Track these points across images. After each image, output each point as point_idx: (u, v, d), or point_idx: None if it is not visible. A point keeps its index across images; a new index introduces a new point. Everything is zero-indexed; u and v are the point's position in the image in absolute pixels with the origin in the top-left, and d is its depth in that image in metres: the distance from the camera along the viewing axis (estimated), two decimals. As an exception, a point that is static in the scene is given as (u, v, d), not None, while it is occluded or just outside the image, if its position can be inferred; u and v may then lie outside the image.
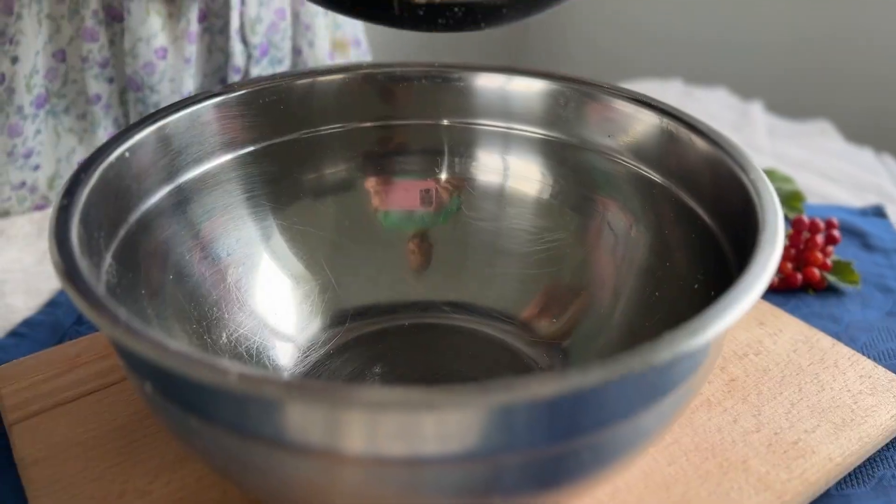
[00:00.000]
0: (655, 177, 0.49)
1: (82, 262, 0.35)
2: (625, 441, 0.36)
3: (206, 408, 0.31)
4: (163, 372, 0.30)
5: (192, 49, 0.69)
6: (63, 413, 0.48)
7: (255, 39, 0.73)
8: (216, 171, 0.48)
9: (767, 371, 0.53)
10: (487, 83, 0.50)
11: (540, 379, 0.29)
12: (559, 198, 0.52)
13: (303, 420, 0.29)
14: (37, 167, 0.68)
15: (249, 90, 0.48)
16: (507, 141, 0.52)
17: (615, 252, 0.50)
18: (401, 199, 0.48)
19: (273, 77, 0.49)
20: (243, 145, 0.49)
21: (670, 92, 1.03)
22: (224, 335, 0.49)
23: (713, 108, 0.97)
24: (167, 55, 0.68)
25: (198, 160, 0.47)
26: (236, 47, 0.72)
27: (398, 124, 0.48)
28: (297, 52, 0.77)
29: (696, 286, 0.46)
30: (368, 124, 0.44)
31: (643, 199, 0.49)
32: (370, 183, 0.43)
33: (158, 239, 0.46)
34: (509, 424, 0.31)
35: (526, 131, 0.52)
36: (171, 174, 0.46)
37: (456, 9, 0.41)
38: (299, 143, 0.49)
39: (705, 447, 0.47)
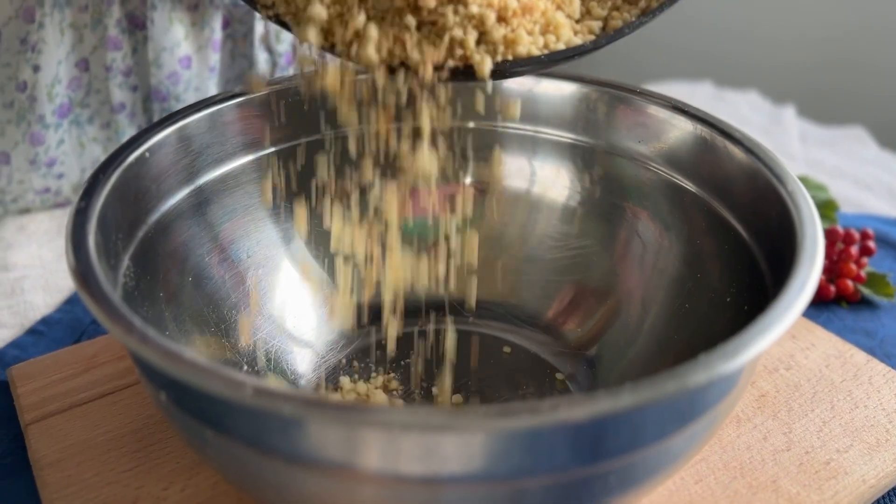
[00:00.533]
0: (688, 185, 0.47)
1: (98, 267, 0.34)
2: (653, 465, 0.34)
3: (221, 420, 0.30)
4: (177, 383, 0.29)
5: (216, 57, 0.68)
6: (79, 414, 0.48)
7: (281, 48, 0.72)
8: (237, 172, 0.47)
9: (799, 387, 0.51)
10: (515, 85, 0.49)
11: (567, 403, 0.27)
12: (587, 205, 0.50)
13: (320, 438, 0.28)
14: (60, 176, 0.68)
15: (271, 91, 0.47)
16: (534, 145, 0.50)
17: (644, 261, 0.48)
18: (424, 204, 0.47)
19: (295, 77, 0.48)
20: (264, 146, 0.48)
21: (699, 94, 1.01)
22: (243, 339, 0.48)
23: (744, 111, 0.95)
24: (191, 64, 0.68)
25: (218, 161, 0.46)
26: (260, 55, 0.71)
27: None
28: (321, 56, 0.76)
29: (728, 300, 0.44)
30: (391, 126, 0.43)
31: (674, 208, 0.48)
32: (392, 187, 0.42)
33: (177, 241, 0.46)
34: (533, 448, 0.30)
35: (554, 135, 0.50)
36: (191, 175, 0.46)
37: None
38: (321, 144, 0.48)
39: (734, 465, 0.45)
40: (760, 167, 0.42)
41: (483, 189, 0.50)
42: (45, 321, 0.58)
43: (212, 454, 0.33)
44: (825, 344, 0.54)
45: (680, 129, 0.47)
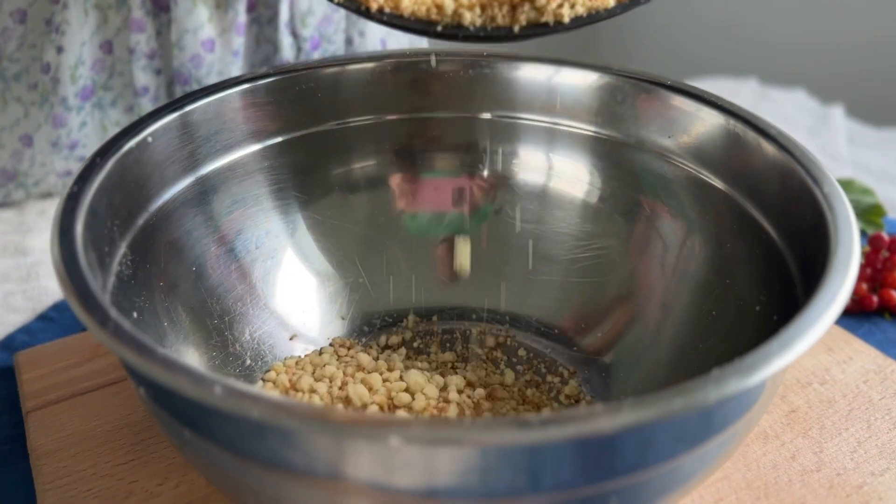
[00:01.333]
0: (717, 183, 0.45)
1: (82, 254, 0.33)
2: (661, 486, 0.32)
3: (196, 420, 0.29)
4: (149, 380, 0.27)
5: (239, 41, 0.67)
6: (79, 404, 0.47)
7: (306, 32, 0.70)
8: (243, 161, 0.46)
9: (833, 403, 0.48)
10: (533, 74, 0.46)
11: (559, 419, 0.25)
12: (609, 202, 0.48)
13: (296, 444, 0.26)
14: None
15: (278, 78, 0.46)
16: (552, 137, 0.48)
17: (666, 263, 0.45)
18: (432, 198, 0.45)
19: (303, 64, 0.46)
20: (271, 135, 0.46)
21: (744, 91, 0.97)
22: (247, 332, 0.47)
23: (789, 110, 0.91)
24: (215, 47, 0.66)
25: (224, 149, 0.45)
26: (285, 40, 0.69)
27: (434, 117, 0.45)
28: (348, 41, 0.75)
29: (757, 308, 0.41)
30: (401, 116, 0.41)
31: (702, 208, 0.45)
32: (399, 180, 0.40)
33: (181, 230, 0.44)
34: (528, 464, 0.28)
35: (574, 127, 0.47)
36: (196, 163, 0.44)
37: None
38: (330, 134, 0.46)
39: (758, 485, 0.42)
40: (795, 166, 0.39)
41: (497, 184, 0.47)
42: (57, 307, 0.57)
43: (190, 454, 0.31)
44: (864, 357, 0.51)
45: (710, 124, 0.44)
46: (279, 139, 0.46)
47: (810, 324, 0.29)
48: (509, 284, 0.48)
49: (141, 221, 0.41)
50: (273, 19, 0.69)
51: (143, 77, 0.66)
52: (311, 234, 0.48)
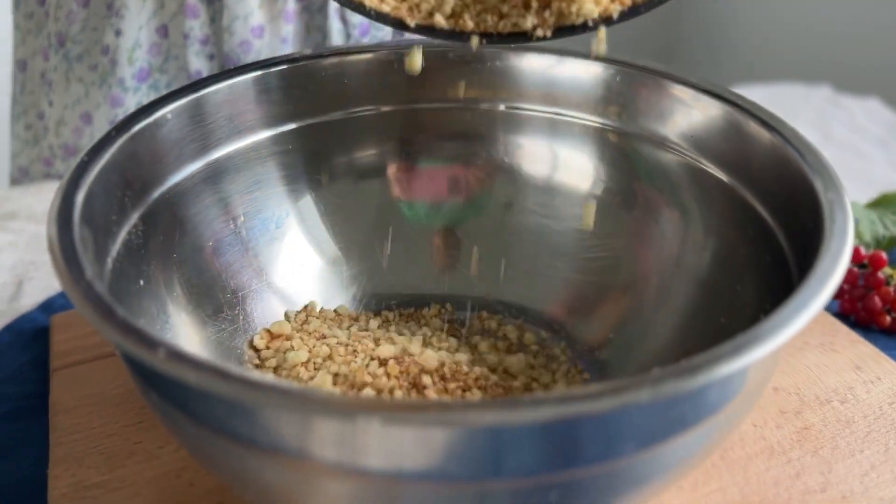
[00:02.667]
0: (718, 173, 0.43)
1: (84, 219, 0.35)
2: (634, 477, 0.31)
3: (156, 384, 0.30)
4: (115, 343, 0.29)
5: (288, 28, 0.69)
6: (101, 367, 0.50)
7: (356, 19, 0.72)
8: (256, 145, 0.47)
9: (851, 423, 0.45)
10: (533, 65, 0.46)
11: (528, 402, 0.25)
12: (612, 194, 0.47)
13: (236, 412, 0.27)
14: None
15: (293, 65, 0.46)
16: (554, 128, 0.47)
17: (668, 255, 0.44)
18: (430, 188, 0.45)
19: (316, 53, 0.47)
20: (284, 121, 0.47)
21: (815, 98, 0.93)
22: (258, 308, 0.48)
23: (860, 119, 0.86)
24: (264, 34, 0.69)
25: (238, 133, 0.46)
26: (334, 26, 0.71)
27: (435, 108, 0.45)
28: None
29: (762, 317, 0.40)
30: (403, 107, 0.41)
31: (703, 198, 0.44)
32: (399, 170, 0.40)
33: (198, 206, 0.46)
34: (489, 448, 0.28)
35: (577, 118, 0.47)
36: (210, 144, 0.45)
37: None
38: (340, 122, 0.47)
39: (754, 501, 0.41)
40: (805, 169, 0.38)
41: (497, 176, 0.47)
42: (98, 276, 0.60)
43: (160, 416, 0.32)
44: (894, 379, 0.48)
45: (710, 113, 0.43)
46: (292, 125, 0.47)
47: (778, 326, 0.28)
48: (509, 276, 0.48)
49: (156, 195, 0.43)
50: (323, 7, 0.70)
51: (196, 61, 0.69)
52: (323, 219, 0.48)
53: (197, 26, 0.67)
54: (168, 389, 0.29)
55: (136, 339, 0.27)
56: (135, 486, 0.42)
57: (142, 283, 0.41)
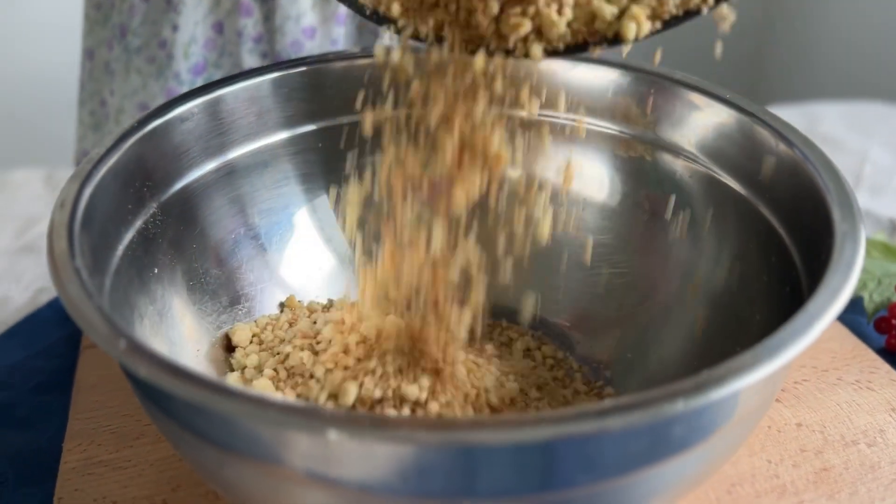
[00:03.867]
0: (732, 183, 0.42)
1: (92, 206, 0.36)
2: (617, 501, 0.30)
3: (138, 385, 0.30)
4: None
5: (339, 31, 0.70)
6: (126, 348, 0.51)
7: (408, 20, 0.72)
8: (273, 146, 0.48)
9: (876, 468, 0.43)
10: (546, 68, 0.44)
11: (488, 423, 0.25)
12: (625, 204, 0.46)
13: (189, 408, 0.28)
14: None
15: (313, 67, 0.47)
16: (570, 135, 0.46)
17: (684, 273, 0.43)
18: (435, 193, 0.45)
19: (337, 54, 0.48)
20: (302, 123, 0.48)
21: (893, 118, 0.88)
22: (275, 302, 0.49)
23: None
24: (315, 35, 0.69)
25: (255, 133, 0.47)
26: (387, 31, 0.71)
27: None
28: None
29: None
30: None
31: (720, 211, 0.42)
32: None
33: (214, 202, 0.47)
34: (460, 468, 0.28)
35: (592, 125, 0.45)
36: (233, 142, 0.46)
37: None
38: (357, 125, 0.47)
39: (757, 541, 0.39)
40: (823, 194, 0.36)
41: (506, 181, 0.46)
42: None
43: (142, 406, 0.33)
44: (931, 425, 0.45)
45: (731, 126, 0.42)
46: (311, 127, 0.48)
47: (775, 347, 0.27)
48: (515, 284, 0.47)
49: (178, 187, 0.44)
50: (376, 10, 0.71)
51: (249, 59, 0.70)
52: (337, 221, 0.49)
53: (250, 24, 0.69)
54: (136, 382, 0.30)
55: (100, 327, 0.27)
56: (138, 466, 0.43)
57: (156, 270, 0.42)
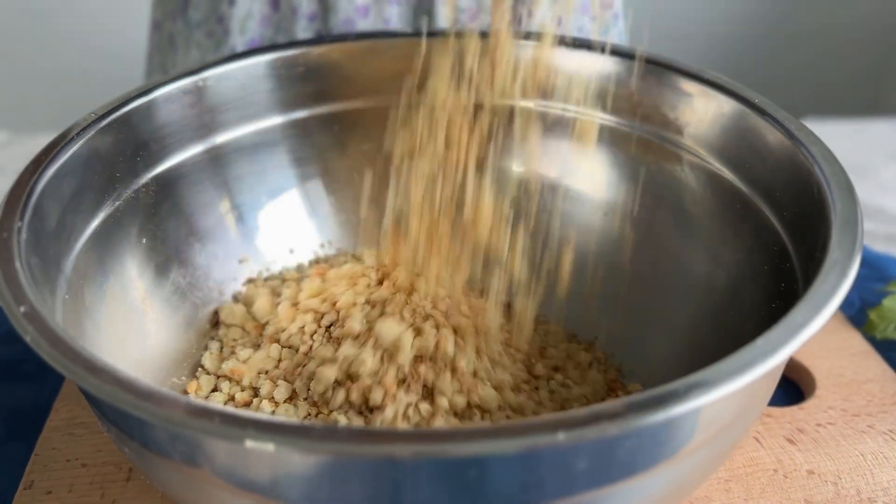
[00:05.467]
0: (729, 175, 0.38)
1: (63, 171, 0.36)
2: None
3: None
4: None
5: (393, 10, 0.68)
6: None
7: (463, 3, 0.70)
8: (270, 129, 0.47)
9: (890, 533, 0.38)
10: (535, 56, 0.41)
11: (407, 436, 0.23)
12: (625, 201, 0.43)
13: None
14: None
15: (309, 49, 0.45)
16: (564, 125, 0.43)
17: (689, 278, 0.39)
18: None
19: (337, 37, 0.46)
20: (298, 108, 0.47)
21: None
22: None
23: None
24: (368, 14, 0.68)
25: (252, 116, 0.46)
26: (441, 10, 0.69)
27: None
28: (518, 20, 0.73)
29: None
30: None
31: (720, 206, 0.39)
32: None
33: (236, 173, 0.47)
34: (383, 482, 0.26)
35: (591, 116, 0.42)
36: (228, 122, 0.46)
37: None
38: (354, 112, 0.46)
39: None
40: (826, 194, 0.32)
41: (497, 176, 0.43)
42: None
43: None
44: (968, 491, 0.39)
45: (729, 116, 0.39)
46: (305, 113, 0.46)
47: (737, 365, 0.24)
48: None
49: (174, 161, 0.44)
50: (433, -9, 0.69)
51: (303, 36, 0.70)
52: (331, 210, 0.48)
53: (305, 2, 0.69)
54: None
55: (23, 307, 0.27)
56: (115, 433, 0.44)
57: (144, 241, 0.43)
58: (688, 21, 1.46)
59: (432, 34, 0.42)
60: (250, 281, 0.47)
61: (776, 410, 0.44)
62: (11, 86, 1.43)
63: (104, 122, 0.39)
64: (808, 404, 0.45)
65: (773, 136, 0.36)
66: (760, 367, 0.26)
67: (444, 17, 0.70)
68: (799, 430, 0.43)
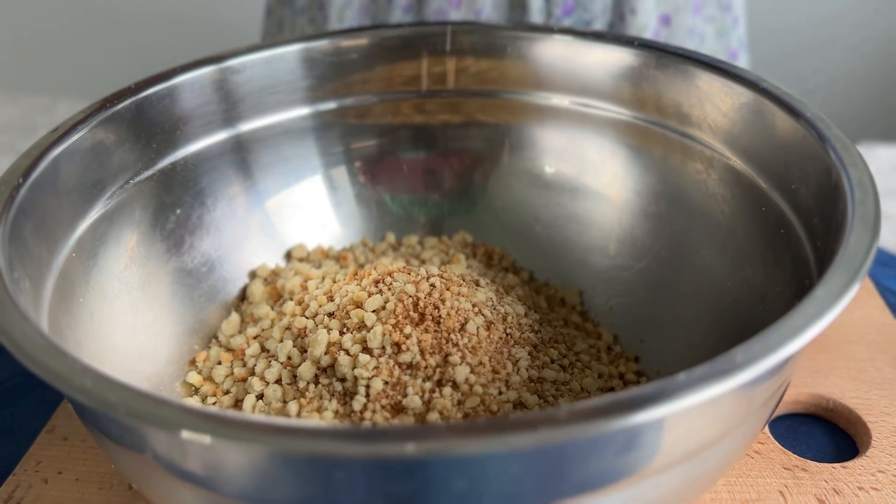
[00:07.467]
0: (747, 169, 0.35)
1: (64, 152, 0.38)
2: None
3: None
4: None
5: (486, 1, 0.67)
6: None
7: (559, -6, 0.67)
8: (294, 120, 0.47)
9: None
10: (550, 50, 0.38)
11: (349, 433, 0.22)
12: (640, 198, 0.39)
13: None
14: None
15: (340, 40, 0.45)
16: (582, 121, 0.39)
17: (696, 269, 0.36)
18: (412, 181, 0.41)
19: (364, 29, 0.45)
20: (325, 100, 0.46)
21: None
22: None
23: None
24: (461, 4, 0.68)
25: (274, 106, 0.46)
26: (535, 3, 0.67)
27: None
28: (619, 17, 0.69)
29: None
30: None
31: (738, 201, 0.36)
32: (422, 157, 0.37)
33: (264, 161, 0.47)
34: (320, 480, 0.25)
35: (607, 111, 0.39)
36: (238, 115, 0.46)
37: None
38: (374, 105, 0.44)
39: None
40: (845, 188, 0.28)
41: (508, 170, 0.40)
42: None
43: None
44: None
45: (748, 109, 0.35)
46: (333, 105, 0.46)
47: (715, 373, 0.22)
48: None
49: (198, 146, 0.45)
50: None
51: None
52: (357, 202, 0.47)
53: (401, -8, 0.69)
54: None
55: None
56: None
57: (178, 211, 0.44)
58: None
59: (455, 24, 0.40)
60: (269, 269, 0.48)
61: (814, 465, 0.39)
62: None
63: (121, 105, 0.40)
64: (855, 463, 0.39)
65: (790, 125, 0.32)
66: (726, 381, 0.22)
67: (537, 10, 0.68)
68: (835, 490, 0.38)
